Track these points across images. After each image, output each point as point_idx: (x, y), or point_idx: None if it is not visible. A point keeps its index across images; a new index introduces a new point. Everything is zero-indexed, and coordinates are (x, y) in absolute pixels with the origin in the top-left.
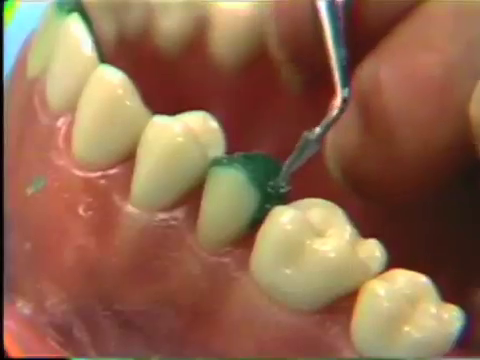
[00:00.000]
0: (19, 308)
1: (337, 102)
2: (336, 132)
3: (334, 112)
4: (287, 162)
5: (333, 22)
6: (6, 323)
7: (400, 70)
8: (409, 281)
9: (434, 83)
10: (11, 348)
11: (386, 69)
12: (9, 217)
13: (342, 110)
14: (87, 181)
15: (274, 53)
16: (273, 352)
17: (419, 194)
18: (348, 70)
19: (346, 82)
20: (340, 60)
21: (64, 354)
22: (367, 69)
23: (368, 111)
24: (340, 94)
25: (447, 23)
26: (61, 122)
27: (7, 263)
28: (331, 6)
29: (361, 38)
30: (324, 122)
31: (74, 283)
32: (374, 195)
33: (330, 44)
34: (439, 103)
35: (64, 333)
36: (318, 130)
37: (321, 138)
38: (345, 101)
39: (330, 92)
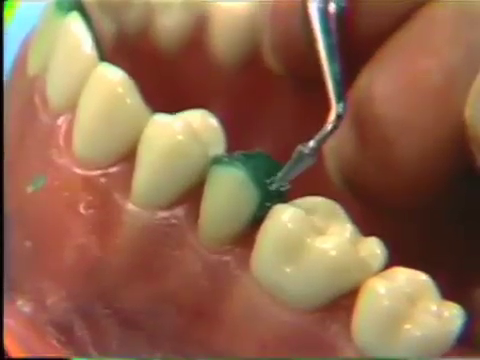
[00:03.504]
0: (19, 307)
1: (331, 117)
2: (335, 139)
3: (328, 127)
4: (281, 173)
5: (326, 36)
6: (6, 322)
7: (397, 78)
8: (409, 279)
9: (434, 89)
10: (11, 347)
11: (382, 79)
12: (9, 216)
13: (336, 126)
14: (87, 179)
15: (268, 59)
16: (274, 350)
17: (418, 199)
18: (342, 85)
19: (340, 97)
20: (334, 75)
21: (64, 353)
22: (363, 79)
23: (363, 121)
24: (334, 109)
25: (447, 27)
26: (61, 120)
27: (7, 262)
28: (324, 18)
29: (356, 48)
30: (318, 137)
31: (74, 281)
32: (374, 201)
33: (323, 58)
34: (439, 109)
35: (64, 331)
36: (312, 144)
37: (315, 152)
38: (339, 117)
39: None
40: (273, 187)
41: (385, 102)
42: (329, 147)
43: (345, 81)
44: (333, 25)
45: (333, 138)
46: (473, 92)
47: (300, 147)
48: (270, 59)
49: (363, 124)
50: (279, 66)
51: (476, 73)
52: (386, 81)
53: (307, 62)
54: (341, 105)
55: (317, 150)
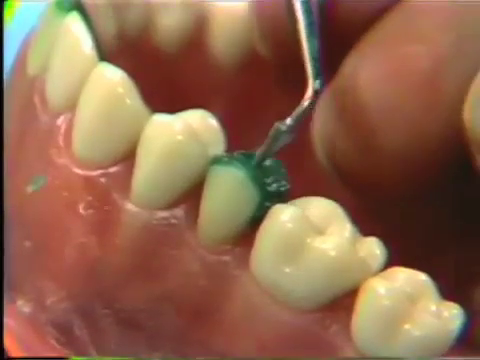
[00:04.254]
0: (19, 307)
1: (308, 93)
2: (322, 127)
3: (305, 103)
4: (259, 152)
5: (306, 14)
6: (6, 322)
7: (383, 65)
8: (409, 279)
9: (423, 76)
10: (11, 347)
11: (366, 66)
12: (9, 215)
13: (313, 102)
14: (87, 179)
15: (258, 48)
16: (273, 350)
17: (407, 187)
18: (320, 61)
19: (318, 73)
20: (312, 51)
21: (64, 353)
22: (348, 66)
23: (348, 109)
24: (311, 85)
25: (437, 12)
26: (61, 120)
27: (7, 262)
28: (306, 1)
29: (340, 35)
30: (295, 113)
31: (74, 281)
32: (362, 188)
33: (302, 35)
34: (428, 97)
35: (64, 331)
36: (289, 121)
37: (293, 129)
38: (317, 92)
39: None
40: (272, 187)
41: (370, 89)
42: (317, 135)
43: (324, 60)
44: (315, 8)
45: (320, 126)
46: (471, 95)
47: (277, 124)
48: (259, 47)
49: (348, 112)
50: (268, 54)
51: (466, 60)
52: (371, 68)
53: (293, 49)
54: (318, 81)
55: (294, 127)
